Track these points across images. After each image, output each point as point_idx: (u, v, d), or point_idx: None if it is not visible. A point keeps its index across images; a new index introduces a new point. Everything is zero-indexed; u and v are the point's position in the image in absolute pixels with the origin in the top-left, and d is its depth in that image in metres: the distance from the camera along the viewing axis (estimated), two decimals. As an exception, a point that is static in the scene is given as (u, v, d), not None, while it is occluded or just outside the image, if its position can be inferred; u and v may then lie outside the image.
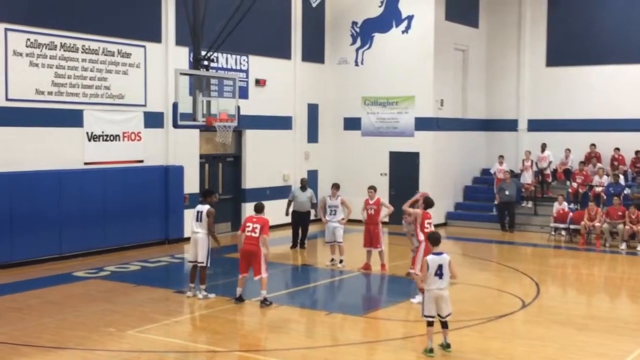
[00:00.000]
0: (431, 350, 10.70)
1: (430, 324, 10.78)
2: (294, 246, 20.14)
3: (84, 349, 10.99)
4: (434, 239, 11.04)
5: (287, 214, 19.96)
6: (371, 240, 17.00)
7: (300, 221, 20.14)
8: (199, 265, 14.14)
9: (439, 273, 10.59)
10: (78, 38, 18.34)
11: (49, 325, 12.23)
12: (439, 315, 10.77)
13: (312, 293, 15.75)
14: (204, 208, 14.20)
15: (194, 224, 14.26)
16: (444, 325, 10.87)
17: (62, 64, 18.03)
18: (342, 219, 17.82)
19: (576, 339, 11.91)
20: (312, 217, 20.57)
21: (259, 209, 13.89)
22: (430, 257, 10.71)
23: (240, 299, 13.72)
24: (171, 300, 14.23)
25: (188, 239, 20.47)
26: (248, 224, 13.68)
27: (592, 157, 24.91)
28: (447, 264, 10.68)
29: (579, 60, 25.88)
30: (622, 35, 25.20)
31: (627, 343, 11.80)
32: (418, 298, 13.45)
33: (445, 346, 10.85)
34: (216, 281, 14.84)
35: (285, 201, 20.13)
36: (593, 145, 25.13)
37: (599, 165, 24.23)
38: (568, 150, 25.38)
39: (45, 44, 17.64)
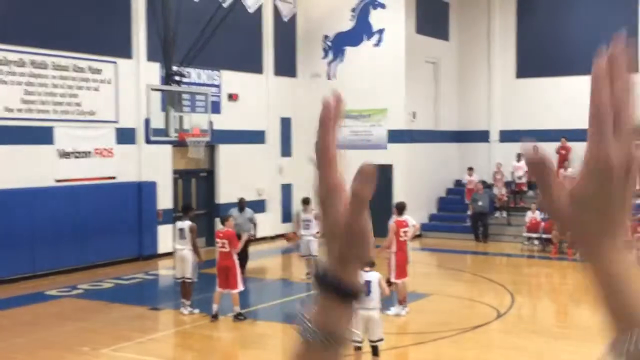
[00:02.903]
0: None
1: (357, 348, 9.76)
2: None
3: (57, 369, 10.87)
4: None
5: None
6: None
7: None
8: (187, 281, 14.07)
9: (367, 291, 9.66)
10: (47, 55, 18.18)
11: (22, 345, 12.05)
12: (369, 339, 9.98)
13: (287, 307, 15.70)
14: (186, 225, 14.19)
15: (177, 241, 14.23)
16: (375, 351, 10.08)
17: (31, 81, 17.85)
18: (317, 232, 17.77)
19: (552, 347, 11.97)
20: (261, 236, 19.48)
21: (223, 221, 14.10)
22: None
23: (215, 317, 13.55)
24: (146, 318, 14.10)
25: (162, 255, 20.68)
26: (217, 240, 13.80)
27: (561, 151, 24.28)
28: (377, 281, 9.94)
29: (549, 71, 26.13)
30: (591, 45, 25.03)
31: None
32: (394, 310, 13.46)
33: None
34: (192, 297, 14.69)
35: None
36: (564, 137, 24.17)
37: (569, 169, 24.06)
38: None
39: (14, 60, 17.46)
